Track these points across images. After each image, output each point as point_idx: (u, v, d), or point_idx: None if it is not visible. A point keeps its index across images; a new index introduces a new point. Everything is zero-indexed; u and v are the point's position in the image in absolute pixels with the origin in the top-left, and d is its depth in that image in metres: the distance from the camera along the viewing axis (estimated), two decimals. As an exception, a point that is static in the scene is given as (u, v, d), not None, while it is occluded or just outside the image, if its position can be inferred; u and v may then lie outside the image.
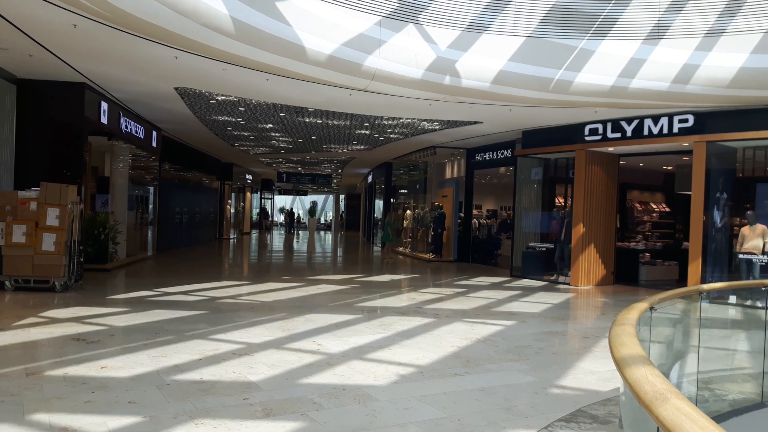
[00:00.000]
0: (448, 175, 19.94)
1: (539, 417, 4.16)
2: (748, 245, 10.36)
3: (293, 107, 12.21)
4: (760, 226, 10.36)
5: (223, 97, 11.48)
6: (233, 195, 28.62)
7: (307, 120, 13.89)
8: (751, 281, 9.54)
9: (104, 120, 11.52)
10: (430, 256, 18.14)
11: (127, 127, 12.97)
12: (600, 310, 9.99)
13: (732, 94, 9.41)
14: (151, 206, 16.85)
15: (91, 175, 12.63)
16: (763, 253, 10.19)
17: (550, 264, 13.70)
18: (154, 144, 15.34)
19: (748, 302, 8.44)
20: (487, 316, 8.47)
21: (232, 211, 28.52)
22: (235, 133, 16.88)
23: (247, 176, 31.03)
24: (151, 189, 16.92)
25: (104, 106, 11.49)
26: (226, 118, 14.01)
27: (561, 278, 13.08)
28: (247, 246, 24.18)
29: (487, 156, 16.76)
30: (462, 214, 18.28)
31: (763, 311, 6.15)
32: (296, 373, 5.02)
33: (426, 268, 15.74)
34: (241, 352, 5.65)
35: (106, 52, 8.55)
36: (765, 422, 4.34)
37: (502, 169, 17.51)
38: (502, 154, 15.94)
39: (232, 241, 26.03)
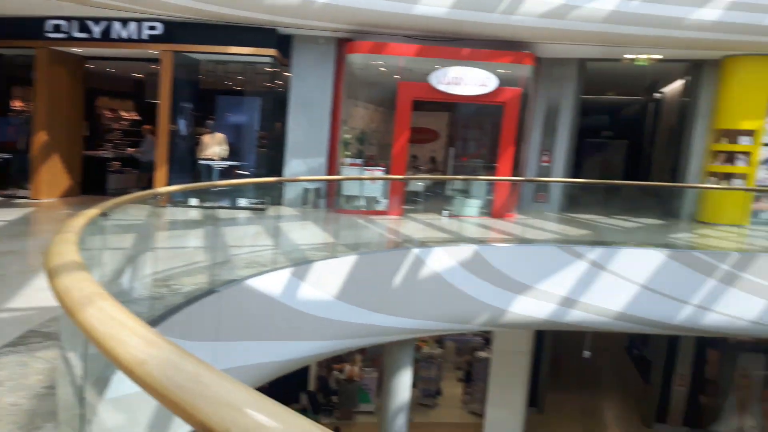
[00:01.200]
0: None
1: (-20, 350, 3.57)
2: (208, 152, 11.43)
3: None
4: (219, 135, 11.52)
5: None
6: None
7: None
8: (203, 183, 10.59)
9: None
10: None
11: None
12: (62, 223, 9.34)
13: (196, 7, 9.81)
14: None
15: None
16: (222, 159, 11.44)
17: (6, 177, 11.94)
18: None
19: (207, 204, 9.44)
20: None
21: None
22: None
23: None
24: None
25: None
26: None
27: (21, 192, 11.60)
28: None
29: None
30: None
31: (216, 210, 6.94)
32: None
33: None
34: None
35: None
36: (213, 304, 4.94)
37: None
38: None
39: None
